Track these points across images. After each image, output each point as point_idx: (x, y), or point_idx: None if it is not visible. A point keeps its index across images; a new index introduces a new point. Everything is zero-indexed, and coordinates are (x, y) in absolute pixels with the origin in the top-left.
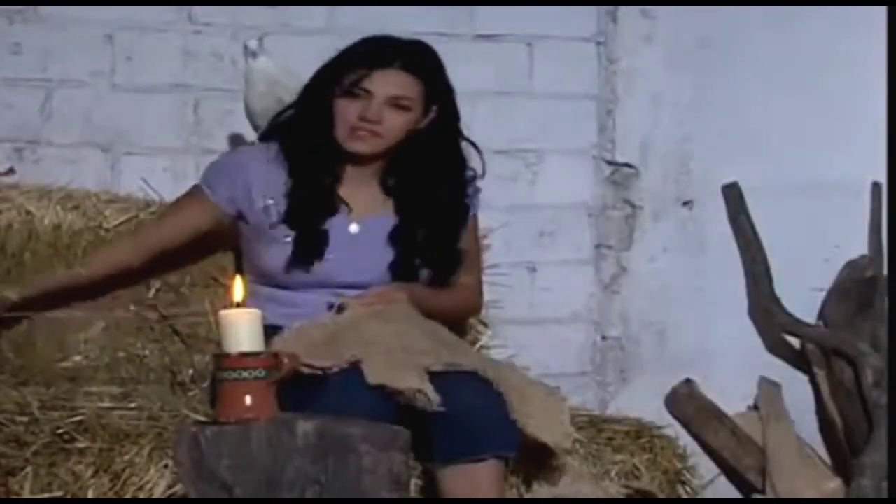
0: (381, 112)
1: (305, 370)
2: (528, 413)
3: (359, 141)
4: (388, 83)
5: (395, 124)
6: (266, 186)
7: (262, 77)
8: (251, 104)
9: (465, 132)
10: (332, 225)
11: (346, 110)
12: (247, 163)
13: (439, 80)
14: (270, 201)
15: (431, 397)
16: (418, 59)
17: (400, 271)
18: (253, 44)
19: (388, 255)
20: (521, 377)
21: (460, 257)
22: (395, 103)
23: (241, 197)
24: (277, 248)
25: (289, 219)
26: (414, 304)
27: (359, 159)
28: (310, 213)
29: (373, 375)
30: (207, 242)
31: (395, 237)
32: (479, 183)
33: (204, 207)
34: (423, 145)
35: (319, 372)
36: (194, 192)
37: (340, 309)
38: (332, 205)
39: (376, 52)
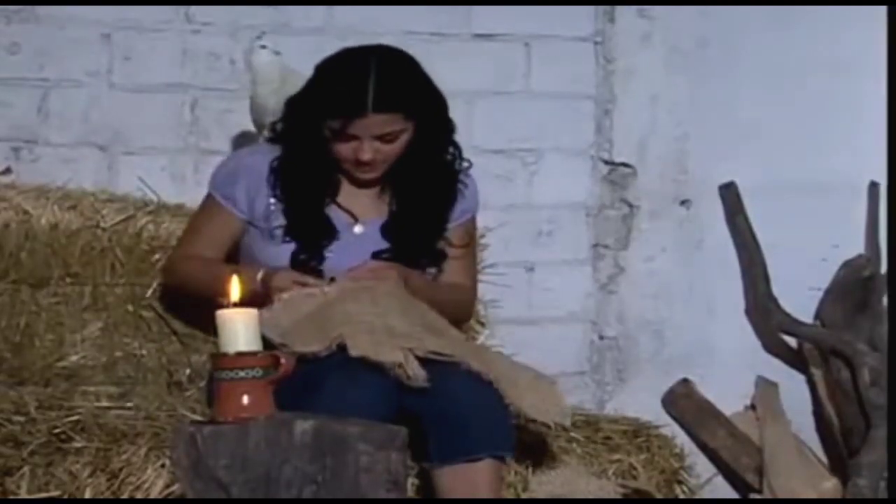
0: (373, 149)
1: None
2: (521, 396)
3: (363, 175)
4: (368, 127)
5: (391, 151)
6: (271, 188)
7: (275, 72)
8: (264, 101)
9: (464, 132)
10: (337, 225)
11: (340, 152)
12: (253, 164)
13: (417, 97)
14: (272, 201)
15: (413, 373)
16: (390, 95)
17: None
18: (265, 39)
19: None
20: (509, 363)
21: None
22: (383, 138)
23: (249, 198)
24: (281, 248)
25: (288, 230)
26: (409, 289)
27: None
28: (308, 234)
29: (356, 349)
30: None
31: (386, 230)
32: (476, 182)
33: (229, 222)
34: (417, 144)
35: (310, 356)
36: (215, 210)
37: (331, 280)
38: (330, 228)
39: (348, 100)
